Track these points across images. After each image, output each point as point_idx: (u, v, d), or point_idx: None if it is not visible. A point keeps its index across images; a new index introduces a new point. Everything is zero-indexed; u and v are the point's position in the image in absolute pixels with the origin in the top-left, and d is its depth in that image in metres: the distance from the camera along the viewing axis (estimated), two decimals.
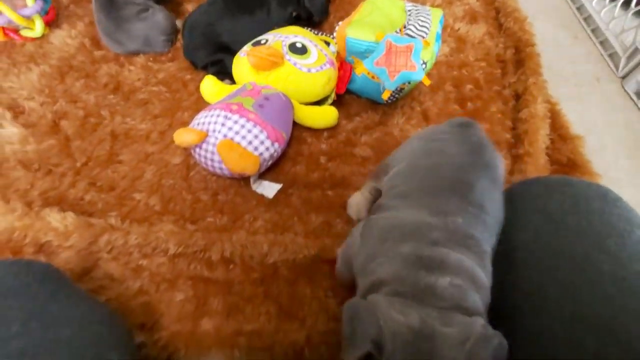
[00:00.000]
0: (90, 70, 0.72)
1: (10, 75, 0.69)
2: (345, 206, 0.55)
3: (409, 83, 0.56)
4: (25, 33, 0.76)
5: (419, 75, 0.54)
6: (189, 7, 0.87)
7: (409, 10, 0.60)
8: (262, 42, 0.62)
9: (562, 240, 0.38)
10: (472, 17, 0.88)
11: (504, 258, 0.42)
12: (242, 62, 0.61)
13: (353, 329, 0.28)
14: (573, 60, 0.85)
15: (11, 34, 0.75)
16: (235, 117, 0.53)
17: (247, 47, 0.63)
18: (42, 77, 0.70)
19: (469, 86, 0.73)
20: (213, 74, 0.68)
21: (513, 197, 0.48)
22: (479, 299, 0.31)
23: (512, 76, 0.75)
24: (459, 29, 0.85)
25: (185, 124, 0.64)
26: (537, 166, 0.60)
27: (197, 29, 0.70)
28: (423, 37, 0.57)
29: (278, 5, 0.70)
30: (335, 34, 0.63)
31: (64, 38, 0.77)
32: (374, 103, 0.68)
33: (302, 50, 0.59)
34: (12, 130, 0.62)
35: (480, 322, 0.28)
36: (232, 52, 0.66)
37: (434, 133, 0.44)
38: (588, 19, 0.92)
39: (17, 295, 0.33)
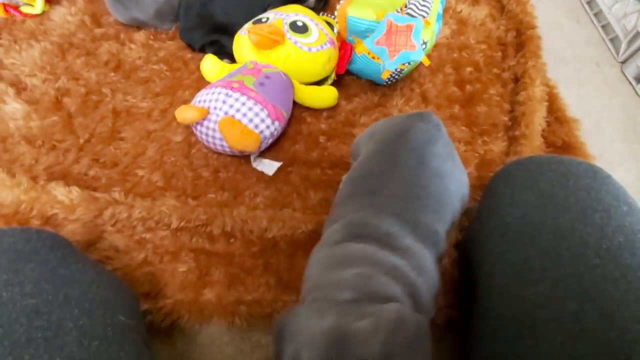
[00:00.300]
0: (91, 48, 0.72)
1: (12, 52, 0.70)
2: None
3: (409, 64, 0.57)
4: (25, 10, 0.75)
5: (418, 55, 0.55)
6: None
7: None
8: (263, 20, 0.62)
9: (549, 214, 0.39)
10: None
11: (497, 234, 0.44)
12: (243, 41, 0.61)
13: (278, 348, 0.28)
14: (574, 43, 0.85)
15: (12, 11, 0.75)
16: (237, 94, 0.54)
17: (247, 25, 0.63)
18: (43, 54, 0.70)
19: (468, 69, 0.74)
20: (213, 51, 0.68)
21: (507, 176, 0.49)
22: (393, 284, 0.31)
23: (512, 59, 0.75)
24: (460, 10, 0.85)
25: (186, 102, 0.65)
26: (532, 148, 0.61)
27: (192, 9, 0.69)
28: (424, 17, 0.57)
29: None
30: (336, 14, 0.63)
31: (64, 15, 0.76)
32: (373, 84, 0.69)
33: (303, 29, 0.60)
34: (15, 107, 0.63)
35: (393, 308, 0.27)
36: (229, 33, 0.66)
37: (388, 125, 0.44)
38: (591, 2, 0.91)
39: (29, 259, 0.35)
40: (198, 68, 0.68)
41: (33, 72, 0.67)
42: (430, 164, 0.38)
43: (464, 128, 0.65)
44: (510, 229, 0.43)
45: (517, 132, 0.63)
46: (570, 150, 0.62)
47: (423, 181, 0.37)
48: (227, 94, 0.54)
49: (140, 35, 0.73)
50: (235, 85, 0.55)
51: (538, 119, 0.63)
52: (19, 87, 0.65)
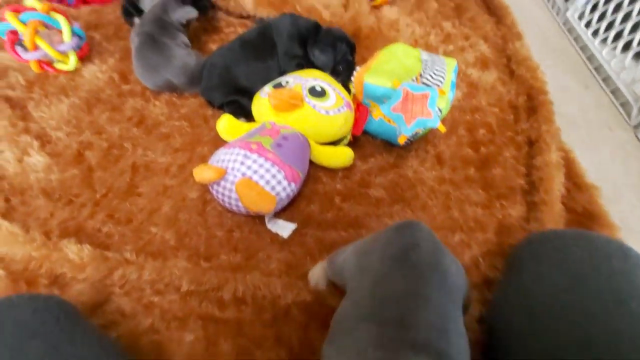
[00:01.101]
0: (117, 104, 0.75)
1: (42, 106, 0.73)
2: None
3: (424, 128, 0.58)
4: (59, 66, 0.80)
5: (434, 122, 0.56)
6: (213, 47, 0.92)
7: (425, 60, 0.63)
8: (283, 84, 0.65)
9: (581, 298, 0.38)
10: (483, 64, 0.91)
11: (525, 313, 0.41)
12: (263, 103, 0.63)
13: None
14: (584, 108, 0.87)
15: (46, 67, 0.79)
16: (254, 156, 0.54)
17: (268, 88, 0.65)
18: (71, 108, 0.73)
19: (482, 131, 0.75)
20: (229, 113, 0.71)
21: (532, 250, 0.48)
22: None
23: (525, 122, 0.76)
24: (471, 74, 0.88)
25: (204, 158, 0.66)
26: (553, 215, 0.59)
27: (215, 70, 0.73)
28: (438, 86, 0.59)
29: (285, 57, 0.73)
30: (353, 79, 0.65)
31: (95, 72, 0.81)
32: (388, 145, 0.70)
33: (321, 94, 0.62)
34: (38, 159, 0.64)
35: None
36: (247, 94, 0.70)
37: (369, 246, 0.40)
38: (599, 68, 0.94)
39: (34, 334, 0.33)
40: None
41: (59, 126, 0.70)
42: (447, 280, 0.34)
43: (480, 191, 0.65)
44: (538, 309, 0.40)
45: (536, 198, 0.62)
46: (593, 218, 0.61)
47: (448, 305, 0.33)
48: (245, 155, 0.54)
49: (165, 93, 0.77)
50: (254, 146, 0.56)
51: (557, 185, 0.62)
52: (44, 140, 0.68)
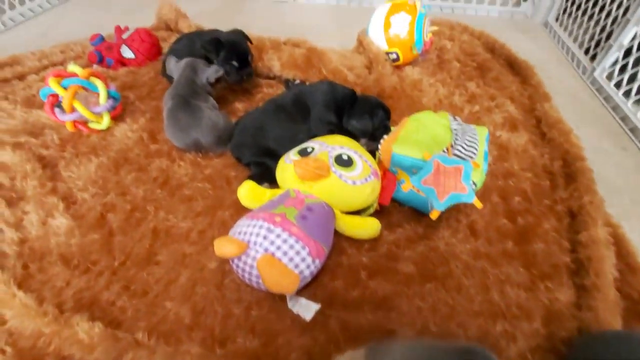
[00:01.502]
0: (144, 164, 0.76)
1: (72, 166, 0.75)
2: (387, 334, 0.50)
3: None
4: (93, 125, 0.83)
5: (469, 197, 0.53)
6: (239, 106, 0.94)
7: (455, 130, 0.61)
8: (309, 150, 0.64)
9: None
10: (512, 125, 0.89)
11: None
12: (287, 169, 0.62)
13: None
14: (624, 172, 0.81)
15: (80, 127, 0.82)
16: (278, 230, 0.52)
17: (293, 155, 0.64)
18: (99, 168, 0.74)
19: (517, 198, 0.70)
20: (254, 174, 0.70)
21: (592, 356, 0.41)
22: None
23: (563, 191, 0.72)
24: (500, 136, 0.85)
25: (225, 224, 0.64)
26: (608, 303, 0.53)
27: (248, 130, 0.75)
28: (471, 158, 0.57)
29: (319, 123, 0.74)
30: (380, 147, 0.64)
31: (126, 131, 0.84)
32: (416, 213, 0.66)
33: (347, 163, 0.60)
34: (62, 221, 0.64)
35: None
36: (275, 157, 0.69)
37: None
38: (634, 130, 0.90)
39: None
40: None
41: (85, 187, 0.71)
42: None
43: (521, 270, 0.59)
44: None
45: (585, 281, 0.56)
46: None
47: None
48: (268, 229, 0.52)
49: (190, 154, 0.78)
50: (278, 219, 0.53)
51: (608, 266, 0.56)
52: (69, 201, 0.68)
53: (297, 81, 0.99)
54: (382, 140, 0.63)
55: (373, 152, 0.68)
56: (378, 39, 1.04)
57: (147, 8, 1.31)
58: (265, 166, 0.71)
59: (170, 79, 0.92)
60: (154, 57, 1.07)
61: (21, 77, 1.01)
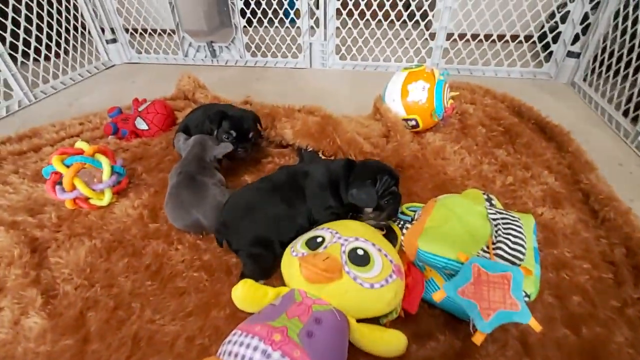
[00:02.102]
0: (138, 247, 0.69)
1: (62, 250, 0.69)
2: None
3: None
4: (94, 202, 0.79)
5: (523, 316, 0.41)
6: (248, 178, 0.89)
7: (495, 220, 0.50)
8: (319, 240, 0.55)
9: None
10: (555, 200, 0.77)
11: None
12: (294, 265, 0.53)
13: None
14: None
15: (80, 203, 0.78)
16: (277, 355, 0.41)
17: (300, 246, 0.55)
18: (90, 253, 0.68)
19: (575, 298, 0.57)
20: (248, 272, 0.61)
21: None
22: None
23: (633, 288, 0.58)
24: (542, 214, 0.74)
25: (218, 329, 0.54)
26: None
27: (237, 210, 0.65)
28: (519, 260, 0.45)
29: (318, 208, 0.66)
30: (402, 240, 0.54)
31: (127, 208, 0.78)
32: (452, 319, 0.54)
33: (363, 260, 0.50)
34: (35, 321, 0.56)
35: None
36: (271, 247, 0.61)
37: None
38: None
39: None
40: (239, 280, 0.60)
41: (71, 276, 0.63)
42: None
43: None
44: None
45: None
46: None
47: None
48: (264, 353, 0.41)
49: (190, 236, 0.71)
50: (277, 337, 0.43)
51: None
52: (49, 295, 0.60)
53: (310, 149, 0.93)
54: (404, 231, 0.54)
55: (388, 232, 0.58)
56: (395, 106, 0.99)
57: (172, 79, 1.36)
58: (260, 258, 0.62)
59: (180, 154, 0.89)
60: (167, 128, 1.06)
61: (37, 149, 1.01)
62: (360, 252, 0.51)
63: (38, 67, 1.39)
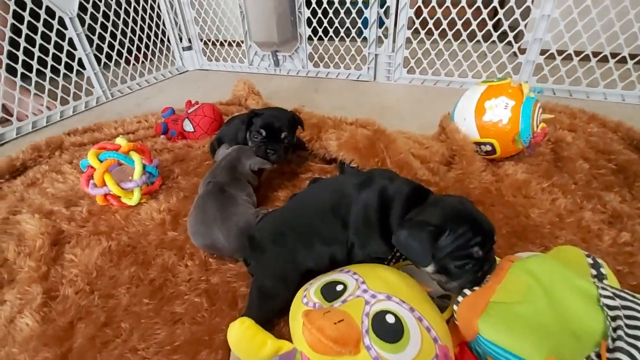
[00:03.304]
0: (150, 256, 0.63)
1: (78, 247, 0.66)
2: None
3: None
4: (124, 200, 0.76)
5: None
6: (281, 195, 0.79)
7: (611, 308, 0.31)
8: (338, 288, 0.42)
9: None
10: None
11: None
12: (300, 320, 0.40)
13: None
14: None
15: (111, 200, 0.76)
16: None
17: (314, 291, 0.43)
18: (102, 255, 0.64)
19: None
20: (253, 311, 0.48)
21: None
22: None
23: None
24: None
25: None
26: None
27: (265, 235, 0.54)
28: None
29: (359, 252, 0.51)
30: (455, 314, 0.37)
31: (152, 211, 0.74)
32: None
33: (394, 333, 0.35)
34: (27, 323, 0.52)
35: None
36: (290, 286, 0.49)
37: None
38: None
39: None
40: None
41: (77, 277, 0.59)
42: None
43: None
44: None
45: None
46: None
47: None
48: None
49: (204, 252, 0.62)
50: None
51: None
52: (50, 295, 0.56)
53: (354, 165, 0.80)
54: (459, 298, 0.37)
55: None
56: (467, 126, 0.82)
57: (233, 85, 1.36)
58: (270, 298, 0.49)
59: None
60: (212, 132, 1.03)
61: (94, 143, 1.05)
62: (390, 319, 0.36)
63: (118, 68, 1.50)
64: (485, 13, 1.24)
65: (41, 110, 1.24)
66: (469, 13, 1.26)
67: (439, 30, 1.33)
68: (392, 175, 0.53)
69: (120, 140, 0.77)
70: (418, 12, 1.33)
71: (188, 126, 1.01)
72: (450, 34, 1.31)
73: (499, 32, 1.27)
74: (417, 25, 1.34)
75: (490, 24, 1.25)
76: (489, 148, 0.80)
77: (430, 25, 1.33)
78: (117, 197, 0.76)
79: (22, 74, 1.16)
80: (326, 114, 1.13)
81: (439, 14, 1.30)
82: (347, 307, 0.38)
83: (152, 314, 0.53)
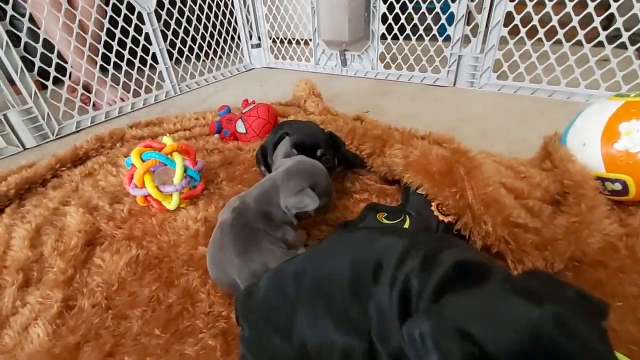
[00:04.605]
0: (175, 275, 0.56)
1: (108, 252, 0.61)
2: None
3: None
4: (164, 203, 0.71)
5: None
6: (323, 231, 0.66)
7: None
8: None
9: None
10: None
11: None
12: None
13: None
14: None
15: (151, 201, 0.71)
16: None
17: None
18: (129, 264, 0.58)
19: None
20: None
21: None
22: None
23: None
24: None
25: None
26: None
27: (260, 308, 0.38)
28: None
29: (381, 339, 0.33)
30: None
31: (188, 219, 0.68)
32: None
33: None
34: (37, 335, 0.48)
35: None
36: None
37: None
38: None
39: None
40: None
41: (98, 288, 0.54)
42: None
43: None
44: None
45: None
46: None
47: None
48: None
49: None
50: None
51: None
52: (67, 305, 0.52)
53: (421, 192, 0.64)
54: None
55: None
56: (588, 154, 0.60)
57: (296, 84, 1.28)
58: None
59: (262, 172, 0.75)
60: (264, 135, 0.95)
61: (154, 137, 1.05)
62: None
63: (188, 63, 1.53)
64: (614, 8, 0.97)
65: (115, 100, 1.30)
66: (590, 7, 0.99)
67: (546, 29, 1.08)
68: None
69: (166, 139, 0.72)
70: (519, 8, 1.10)
71: (240, 127, 0.95)
72: (561, 32, 1.05)
73: (630, 32, 0.98)
74: (516, 21, 1.10)
75: (620, 20, 0.97)
76: (618, 187, 0.58)
77: (535, 22, 1.09)
78: (158, 200, 0.71)
79: (101, 66, 1.21)
80: (392, 122, 0.98)
81: (548, 8, 1.05)
82: None
83: (160, 351, 0.45)
